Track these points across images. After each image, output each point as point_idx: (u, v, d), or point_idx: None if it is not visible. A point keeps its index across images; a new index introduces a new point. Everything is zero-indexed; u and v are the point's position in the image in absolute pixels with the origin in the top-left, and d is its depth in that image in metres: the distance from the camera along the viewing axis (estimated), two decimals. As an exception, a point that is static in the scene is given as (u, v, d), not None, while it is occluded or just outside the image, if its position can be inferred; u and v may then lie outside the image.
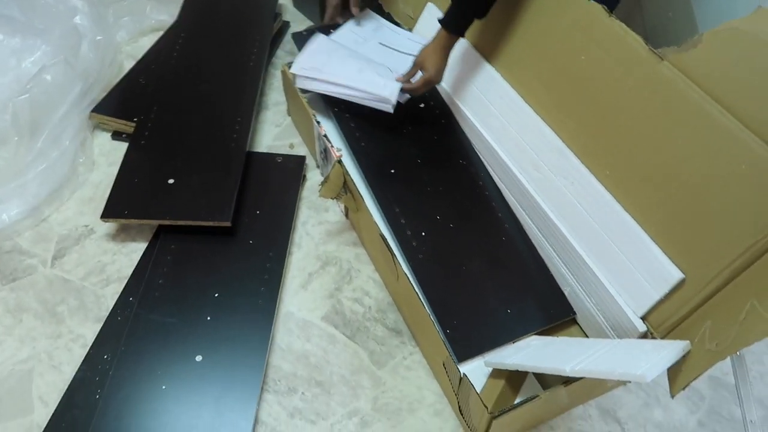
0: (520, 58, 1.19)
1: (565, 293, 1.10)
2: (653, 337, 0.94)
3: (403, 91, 1.22)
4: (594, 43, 1.02)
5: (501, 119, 1.22)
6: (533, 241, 1.16)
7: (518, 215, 1.19)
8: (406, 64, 1.23)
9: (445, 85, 1.38)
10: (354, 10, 1.48)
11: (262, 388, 1.03)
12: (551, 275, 1.12)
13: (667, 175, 0.91)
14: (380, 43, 1.44)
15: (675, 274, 0.90)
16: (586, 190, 1.04)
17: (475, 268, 1.10)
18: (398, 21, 1.58)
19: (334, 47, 1.33)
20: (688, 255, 0.89)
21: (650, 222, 0.95)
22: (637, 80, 0.95)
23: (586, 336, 1.09)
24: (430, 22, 1.43)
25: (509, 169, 1.18)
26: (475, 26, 1.26)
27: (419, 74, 1.20)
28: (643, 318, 0.96)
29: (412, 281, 1.06)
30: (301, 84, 1.27)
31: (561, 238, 1.08)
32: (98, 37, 1.55)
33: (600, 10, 1.01)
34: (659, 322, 0.94)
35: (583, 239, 1.05)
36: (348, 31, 1.47)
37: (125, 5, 1.74)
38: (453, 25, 1.15)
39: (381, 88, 1.21)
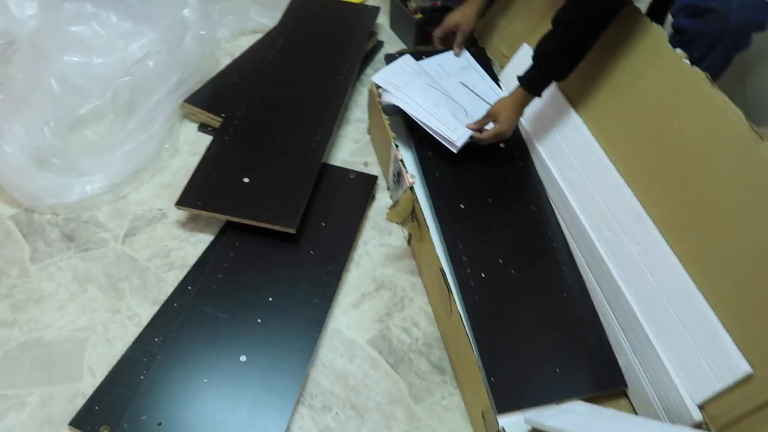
0: (608, 111, 1.16)
1: (620, 363, 1.06)
2: (708, 430, 0.89)
3: (471, 138, 1.24)
4: (691, 110, 0.99)
5: (580, 171, 1.19)
6: (594, 303, 1.13)
7: (583, 272, 1.16)
8: (481, 110, 1.24)
9: (527, 126, 1.36)
10: (456, 50, 1.51)
11: (298, 400, 1.03)
12: (607, 341, 1.08)
13: (752, 261, 0.86)
14: (461, 83, 1.44)
15: (743, 367, 0.85)
16: (660, 261, 1.00)
17: (530, 319, 1.07)
18: (491, 57, 1.58)
19: (419, 72, 1.35)
20: (760, 349, 0.84)
21: (724, 307, 0.90)
22: (732, 156, 0.91)
23: (635, 412, 1.04)
24: (523, 61, 1.42)
25: (581, 223, 1.15)
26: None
27: (491, 124, 1.21)
28: (701, 406, 0.91)
29: (464, 321, 1.04)
30: (383, 95, 1.31)
31: (624, 305, 1.04)
32: (202, 32, 1.62)
33: (703, 77, 0.98)
34: (717, 415, 0.89)
35: (647, 311, 1.01)
36: (435, 63, 1.48)
37: (231, 4, 1.81)
38: (531, 86, 1.16)
39: (451, 130, 1.24)
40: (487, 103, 1.34)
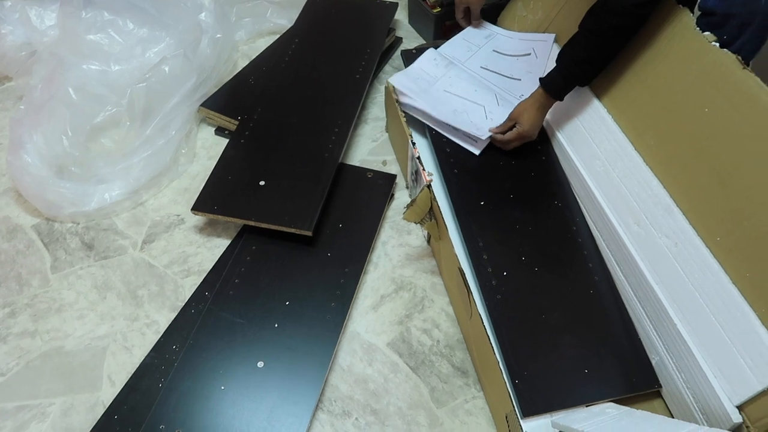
0: (634, 100, 1.11)
1: (652, 362, 1.00)
2: (749, 433, 0.84)
3: (493, 142, 1.24)
4: (722, 97, 0.93)
5: (605, 163, 1.14)
6: (623, 300, 1.07)
7: (611, 269, 1.11)
8: (524, 66, 1.28)
9: (549, 118, 1.31)
10: (474, 23, 1.50)
11: (316, 406, 1.01)
12: (639, 340, 1.03)
13: (789, 254, 0.81)
14: (494, 50, 1.42)
15: (784, 366, 0.79)
16: (691, 255, 0.94)
17: (555, 318, 1.03)
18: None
19: (438, 74, 1.33)
20: (803, 347, 0.79)
21: (762, 302, 0.84)
22: (767, 144, 0.85)
23: (670, 414, 0.99)
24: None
25: (607, 218, 1.10)
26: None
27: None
28: (740, 408, 0.85)
29: (486, 322, 1.00)
30: (400, 98, 1.29)
31: (655, 302, 0.99)
32: (218, 35, 1.61)
33: (734, 60, 0.92)
34: (758, 417, 0.83)
35: (680, 307, 0.95)
36: (461, 39, 1.47)
37: (248, 7, 1.80)
38: (554, 90, 1.15)
39: (467, 140, 1.25)
40: (526, 56, 1.33)
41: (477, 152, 1.23)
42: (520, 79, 1.34)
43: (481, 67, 1.38)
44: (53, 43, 1.53)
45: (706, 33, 0.98)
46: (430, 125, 1.28)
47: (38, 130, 1.31)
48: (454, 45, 1.44)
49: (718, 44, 0.96)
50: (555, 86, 1.15)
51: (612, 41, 1.08)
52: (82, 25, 1.51)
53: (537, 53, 1.35)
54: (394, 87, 1.31)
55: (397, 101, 1.29)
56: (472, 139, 1.24)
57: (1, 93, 1.62)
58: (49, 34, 1.58)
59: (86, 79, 1.43)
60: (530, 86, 1.24)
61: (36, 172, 1.26)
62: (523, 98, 1.23)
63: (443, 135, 1.27)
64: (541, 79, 1.16)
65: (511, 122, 1.21)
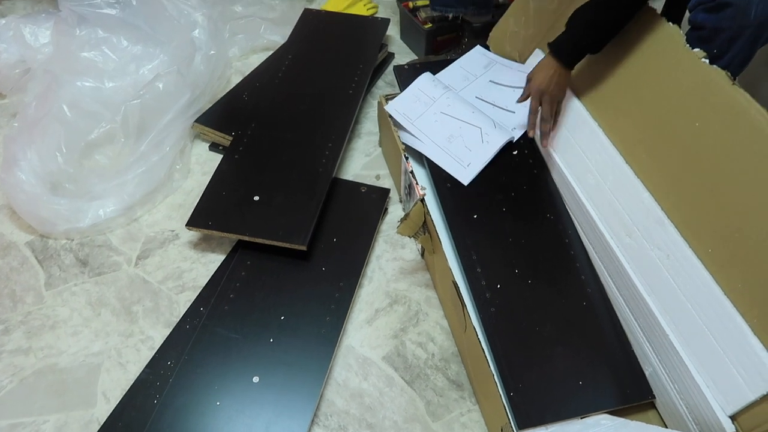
0: (626, 115, 1.12)
1: (646, 373, 1.01)
2: (742, 443, 0.84)
3: (532, 127, 1.23)
4: (712, 111, 0.95)
5: (597, 176, 1.15)
6: (616, 312, 1.08)
7: (603, 281, 1.12)
8: (512, 114, 1.25)
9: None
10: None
11: (312, 421, 1.01)
12: (632, 351, 1.04)
13: (779, 264, 0.82)
14: (491, 81, 1.42)
15: (776, 376, 0.80)
16: (683, 266, 0.95)
17: (549, 330, 1.04)
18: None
19: (435, 95, 1.33)
20: (794, 357, 0.80)
21: (754, 312, 0.85)
22: (757, 156, 0.87)
23: (665, 425, 0.99)
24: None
25: (599, 230, 1.11)
26: (580, 75, 1.22)
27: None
28: (733, 417, 0.86)
29: (480, 335, 1.01)
30: (400, 133, 1.30)
31: (648, 314, 1.00)
32: (212, 52, 1.62)
33: (723, 76, 0.94)
34: (751, 426, 0.84)
35: (672, 319, 0.96)
36: (458, 68, 1.46)
37: (241, 24, 1.82)
38: (565, 56, 1.11)
39: (460, 168, 1.23)
40: (521, 89, 1.33)
41: (465, 182, 1.21)
42: (514, 112, 1.33)
43: (477, 97, 1.38)
44: (47, 61, 1.53)
45: (696, 49, 1.00)
46: (425, 154, 1.27)
47: (32, 147, 1.31)
48: (451, 73, 1.44)
49: (707, 60, 0.98)
50: (564, 50, 1.11)
51: (623, 7, 1.06)
52: (76, 43, 1.52)
53: None
54: (390, 114, 1.31)
55: (393, 123, 1.30)
56: (462, 167, 1.23)
57: (-6, 110, 1.62)
58: (44, 51, 1.59)
59: (80, 96, 1.43)
60: (524, 120, 1.26)
61: (30, 189, 1.26)
62: (516, 131, 1.24)
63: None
64: (549, 43, 1.13)
65: (526, 90, 1.19)
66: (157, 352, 1.09)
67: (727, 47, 1.14)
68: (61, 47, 1.53)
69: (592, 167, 1.16)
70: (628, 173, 1.09)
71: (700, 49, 0.99)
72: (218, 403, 1.00)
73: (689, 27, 1.18)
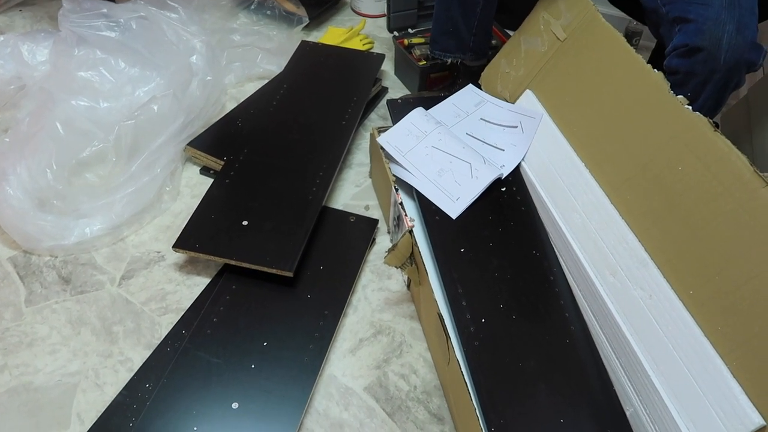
0: (611, 157, 1.15)
1: (627, 413, 1.01)
2: (721, 486, 0.84)
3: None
4: (694, 156, 0.97)
5: (583, 216, 1.17)
6: (599, 350, 1.09)
7: (586, 319, 1.13)
8: (508, 138, 1.27)
9: (529, 172, 1.35)
10: None
11: (290, 450, 1.00)
12: (614, 390, 1.04)
13: (759, 308, 0.83)
14: (481, 119, 1.45)
15: (755, 419, 0.81)
16: (665, 307, 0.97)
17: (532, 366, 1.04)
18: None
19: (427, 130, 1.35)
20: (772, 401, 0.80)
21: (733, 355, 0.86)
22: (737, 201, 0.89)
23: (644, 466, 0.99)
24: (527, 106, 1.42)
25: (584, 269, 1.12)
26: (568, 117, 1.25)
27: None
28: (712, 460, 0.86)
29: (463, 368, 1.01)
30: (391, 166, 1.32)
31: (630, 353, 1.00)
32: (208, 78, 1.64)
33: (705, 123, 0.97)
34: (730, 470, 0.84)
35: (654, 359, 0.97)
36: (450, 104, 1.49)
37: (238, 52, 1.84)
38: None
39: (449, 202, 1.25)
40: (513, 128, 1.34)
41: (453, 216, 1.23)
42: (503, 150, 1.36)
43: (467, 133, 1.40)
44: (43, 78, 1.54)
45: (680, 96, 1.03)
46: (415, 186, 1.28)
47: (22, 162, 1.31)
48: (443, 109, 1.47)
49: (690, 107, 1.01)
50: None
51: None
52: (74, 62, 1.53)
53: (524, 128, 1.37)
54: (381, 147, 1.33)
55: (385, 155, 1.32)
56: (451, 200, 1.25)
57: (-14, 125, 1.62)
58: (40, 69, 1.60)
59: (75, 114, 1.44)
60: (513, 158, 1.28)
61: (17, 204, 1.26)
62: (505, 168, 1.27)
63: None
64: None
65: None
66: (135, 374, 1.07)
67: (699, 90, 1.18)
68: (59, 66, 1.54)
69: (578, 206, 1.18)
70: (613, 214, 1.11)
71: (674, 93, 1.03)
72: (195, 429, 0.99)
73: (665, 72, 1.22)
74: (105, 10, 1.62)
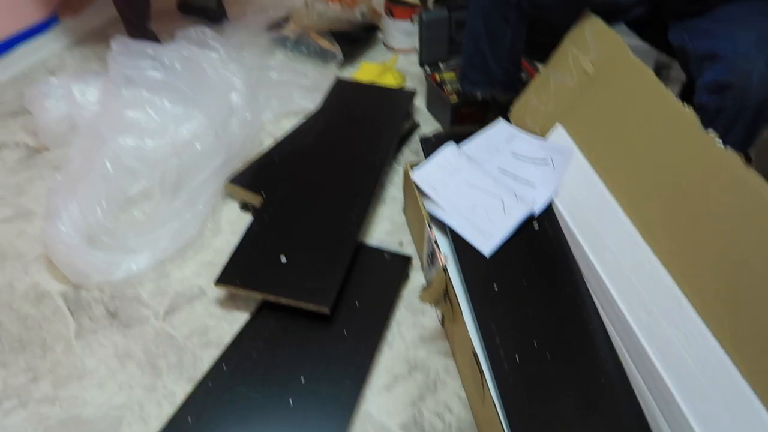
0: (643, 194, 1.15)
1: (664, 456, 1.01)
2: None
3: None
4: (728, 193, 0.98)
5: (616, 254, 1.18)
6: (634, 389, 1.08)
7: (621, 358, 1.12)
8: (540, 173, 1.29)
9: (561, 208, 1.36)
10: None
11: (327, 487, 1.02)
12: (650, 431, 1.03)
13: (796, 353, 0.83)
14: (513, 153, 1.46)
15: (795, 467, 0.80)
16: (701, 347, 0.96)
17: (566, 406, 1.04)
18: (525, 137, 1.60)
19: (460, 165, 1.38)
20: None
21: (771, 400, 0.86)
22: (772, 243, 0.89)
23: None
24: (558, 140, 1.44)
25: (618, 307, 1.13)
26: (602, 156, 1.26)
27: None
28: (752, 508, 0.85)
29: (498, 407, 1.02)
30: (425, 202, 1.35)
31: (666, 394, 1.00)
32: (247, 115, 1.71)
33: (737, 159, 0.97)
34: None
35: (690, 399, 0.96)
36: (481, 139, 1.51)
37: (275, 89, 1.91)
38: None
39: (482, 239, 1.26)
40: (544, 163, 1.35)
41: (486, 253, 1.24)
42: (535, 186, 1.37)
43: (499, 168, 1.42)
44: (93, 118, 1.62)
45: (711, 132, 1.04)
46: (448, 224, 1.30)
47: (74, 199, 1.38)
48: (475, 144, 1.49)
49: (722, 143, 1.01)
50: None
51: None
52: (121, 102, 1.61)
53: (554, 164, 1.38)
54: (415, 183, 1.36)
55: (418, 191, 1.35)
56: (483, 237, 1.27)
57: (39, 162, 1.70)
58: (91, 109, 1.69)
59: (122, 152, 1.51)
60: (544, 194, 1.30)
61: (68, 241, 1.32)
62: (537, 204, 1.28)
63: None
64: None
65: None
66: (178, 408, 1.11)
67: (731, 127, 1.18)
68: (107, 106, 1.62)
69: (610, 244, 1.19)
70: (646, 252, 1.11)
71: (705, 129, 1.04)
72: (236, 463, 1.02)
73: (695, 108, 1.23)
74: (151, 52, 1.70)
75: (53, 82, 1.73)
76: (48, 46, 2.16)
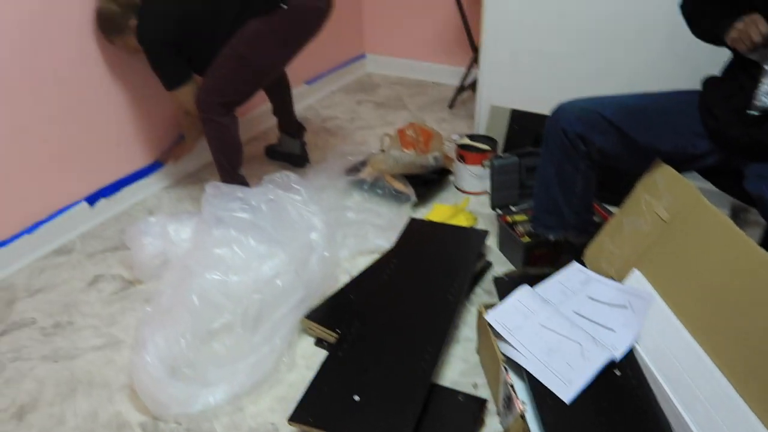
0: (730, 342, 1.11)
1: None
2: None
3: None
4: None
5: (707, 406, 1.11)
6: None
7: None
8: (618, 318, 1.27)
9: (644, 355, 1.32)
10: None
11: None
12: None
13: None
14: (589, 297, 1.45)
15: None
16: None
17: None
18: (600, 280, 1.59)
19: (534, 308, 1.38)
20: None
21: None
22: None
23: None
24: (635, 286, 1.42)
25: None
26: (680, 298, 1.24)
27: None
28: None
29: None
30: (500, 344, 1.34)
31: None
32: (326, 253, 1.79)
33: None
34: None
35: None
36: (556, 282, 1.51)
37: (352, 228, 2.01)
38: None
39: (562, 384, 1.23)
40: (621, 307, 1.33)
41: (566, 400, 1.20)
42: (614, 330, 1.34)
43: (575, 312, 1.41)
44: (184, 254, 1.74)
45: None
46: (524, 366, 1.28)
47: (161, 331, 1.45)
48: (550, 287, 1.50)
49: None
50: None
51: None
52: (212, 241, 1.73)
53: (633, 308, 1.36)
54: (489, 324, 1.36)
55: (493, 332, 1.35)
56: (563, 383, 1.23)
57: (132, 295, 1.82)
58: (183, 246, 1.81)
59: (208, 287, 1.59)
60: (625, 339, 1.27)
61: (153, 372, 1.37)
62: (617, 349, 1.25)
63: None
64: None
65: None
66: None
67: None
68: (198, 243, 1.74)
69: (700, 395, 1.13)
70: (739, 404, 1.05)
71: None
72: None
73: None
74: (240, 194, 1.85)
75: (151, 221, 1.89)
76: (148, 187, 2.38)
